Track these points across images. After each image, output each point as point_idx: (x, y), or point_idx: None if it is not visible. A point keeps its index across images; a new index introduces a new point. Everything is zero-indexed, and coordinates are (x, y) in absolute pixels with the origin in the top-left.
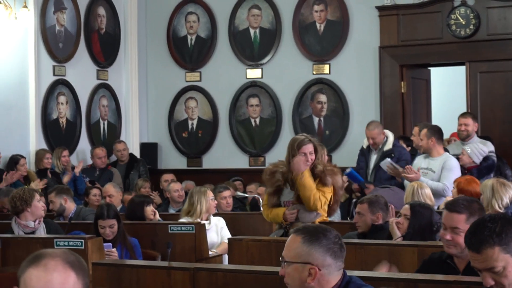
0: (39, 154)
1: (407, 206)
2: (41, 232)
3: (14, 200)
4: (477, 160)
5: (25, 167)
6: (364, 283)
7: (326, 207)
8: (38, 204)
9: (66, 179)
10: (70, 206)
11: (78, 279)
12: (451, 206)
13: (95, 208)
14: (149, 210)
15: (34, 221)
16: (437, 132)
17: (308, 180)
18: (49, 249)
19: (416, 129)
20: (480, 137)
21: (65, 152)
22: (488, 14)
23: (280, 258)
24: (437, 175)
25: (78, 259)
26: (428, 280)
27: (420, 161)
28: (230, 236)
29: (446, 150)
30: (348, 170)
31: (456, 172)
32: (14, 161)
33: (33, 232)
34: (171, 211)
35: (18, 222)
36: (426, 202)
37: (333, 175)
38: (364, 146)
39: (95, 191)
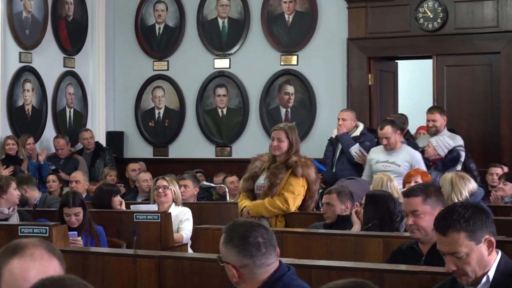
0: (3, 141)
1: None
2: (14, 220)
3: None
4: (442, 152)
5: None
6: (296, 282)
7: (297, 202)
8: (14, 192)
9: (24, 166)
10: (33, 195)
11: (61, 265)
12: (407, 192)
13: (58, 195)
14: (117, 200)
15: (9, 208)
16: (397, 124)
17: (258, 208)
18: (23, 239)
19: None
20: (449, 129)
21: (30, 140)
22: (456, 8)
23: None
24: (403, 168)
25: (54, 246)
26: (394, 270)
27: (377, 155)
28: (190, 229)
29: (412, 143)
30: None
31: (423, 165)
32: None
33: (6, 219)
34: (139, 200)
35: None
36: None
37: (305, 167)
38: (333, 136)
39: (50, 177)
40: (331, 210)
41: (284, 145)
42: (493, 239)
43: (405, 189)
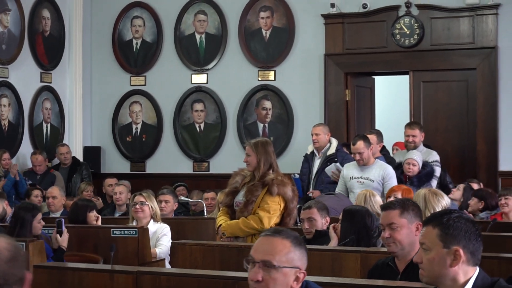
0: None
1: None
2: None
3: None
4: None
5: None
6: (317, 286)
7: (273, 220)
8: None
9: (1, 183)
10: (7, 210)
11: None
12: (385, 205)
13: None
14: (92, 215)
15: None
16: (368, 139)
17: (233, 229)
18: None
19: (373, 137)
20: (424, 145)
21: (6, 155)
22: (432, 24)
23: (255, 260)
24: (377, 183)
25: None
26: (371, 285)
27: (351, 171)
28: (166, 244)
29: (389, 157)
30: (296, 176)
31: (395, 180)
32: None
33: None
34: (117, 215)
35: None
36: (374, 209)
37: (281, 185)
38: (308, 152)
39: (36, 192)
40: (313, 225)
41: (252, 159)
42: (462, 253)
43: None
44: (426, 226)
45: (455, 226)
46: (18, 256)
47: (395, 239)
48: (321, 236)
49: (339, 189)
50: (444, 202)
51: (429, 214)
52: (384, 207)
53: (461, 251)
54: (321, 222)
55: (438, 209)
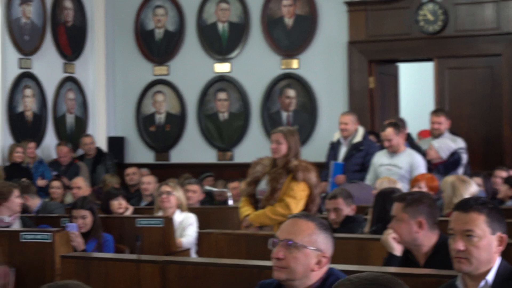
0: (10, 148)
1: None
2: (16, 227)
3: None
4: (444, 155)
5: None
6: (342, 274)
7: (300, 206)
8: (16, 200)
9: (41, 183)
10: (34, 203)
11: None
12: (395, 198)
13: (60, 201)
14: (115, 203)
15: (9, 216)
16: (399, 126)
17: (261, 218)
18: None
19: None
20: (452, 133)
21: (31, 144)
22: (456, 11)
23: (279, 240)
24: (404, 171)
25: None
26: (398, 273)
27: (380, 158)
28: (192, 234)
29: (415, 145)
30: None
31: (424, 168)
32: None
33: (7, 227)
34: (143, 204)
35: None
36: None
37: (306, 171)
38: (334, 140)
39: (54, 183)
40: (339, 215)
41: (283, 147)
42: (505, 238)
43: None
44: (470, 213)
45: (495, 210)
46: None
47: (397, 232)
48: (350, 222)
49: (369, 176)
50: (472, 189)
51: (456, 201)
52: (393, 199)
53: (504, 236)
54: (347, 210)
55: (466, 196)
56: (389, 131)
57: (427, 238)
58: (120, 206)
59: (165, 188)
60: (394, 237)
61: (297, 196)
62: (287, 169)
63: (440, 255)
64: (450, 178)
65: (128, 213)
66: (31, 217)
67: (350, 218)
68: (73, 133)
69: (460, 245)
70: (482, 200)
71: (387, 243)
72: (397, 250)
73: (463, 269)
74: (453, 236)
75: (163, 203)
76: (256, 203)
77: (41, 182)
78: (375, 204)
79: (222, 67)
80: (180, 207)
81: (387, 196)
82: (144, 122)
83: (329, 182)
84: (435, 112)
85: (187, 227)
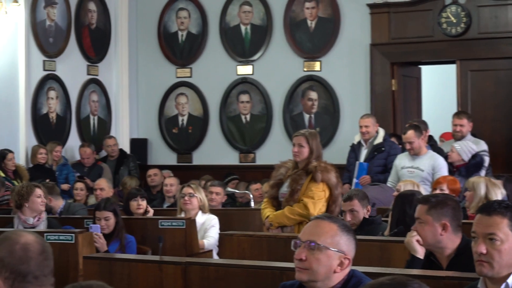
0: (33, 150)
1: None
2: (41, 229)
3: (14, 195)
4: (466, 157)
5: (12, 161)
6: (364, 276)
7: (318, 206)
8: (37, 200)
9: (64, 187)
10: (57, 204)
11: None
12: (419, 200)
13: (83, 203)
14: (134, 204)
15: (34, 217)
16: (421, 129)
17: (279, 219)
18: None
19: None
20: (473, 135)
21: (58, 148)
22: (479, 13)
23: (301, 241)
24: (426, 173)
25: None
26: (419, 275)
27: (402, 161)
28: (214, 236)
29: (437, 148)
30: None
31: (446, 171)
32: (1, 156)
33: (33, 228)
34: (165, 206)
35: (19, 217)
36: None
37: (325, 172)
38: (355, 142)
39: (77, 185)
40: (356, 217)
41: (305, 151)
42: None
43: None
44: (493, 216)
45: None
46: (47, 248)
47: (420, 234)
48: (368, 224)
49: (391, 178)
50: (500, 193)
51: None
52: (418, 201)
53: None
54: (363, 212)
55: (499, 198)
56: (410, 134)
57: (451, 241)
58: (139, 206)
59: (187, 190)
60: (418, 240)
61: (315, 197)
62: (306, 170)
63: (463, 257)
64: (481, 179)
65: (149, 215)
66: (55, 218)
67: (368, 221)
68: (96, 135)
69: (482, 248)
70: (505, 203)
71: (411, 245)
72: (420, 253)
73: (485, 273)
74: (475, 239)
75: (186, 205)
76: (279, 206)
77: (64, 186)
78: (394, 207)
79: (245, 69)
80: (202, 208)
81: (406, 199)
82: (167, 124)
83: (353, 182)
84: (457, 115)
85: (209, 229)
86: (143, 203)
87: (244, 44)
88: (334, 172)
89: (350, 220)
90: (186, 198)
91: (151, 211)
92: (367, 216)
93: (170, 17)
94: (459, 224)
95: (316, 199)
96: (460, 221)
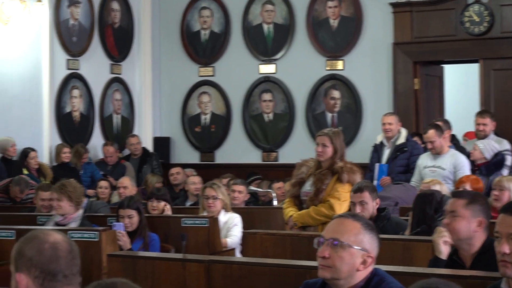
0: (57, 149)
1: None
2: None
3: None
4: (488, 156)
5: (35, 160)
6: (387, 275)
7: (344, 207)
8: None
9: (90, 192)
10: None
11: None
12: (454, 194)
13: (106, 201)
14: (149, 205)
15: (61, 216)
16: (441, 128)
17: (304, 219)
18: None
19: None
20: (496, 134)
21: (86, 155)
22: (502, 12)
23: (325, 239)
24: (448, 172)
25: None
26: (442, 275)
27: (425, 160)
28: (237, 235)
29: (460, 147)
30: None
31: (468, 169)
32: (24, 154)
33: (64, 226)
34: (188, 204)
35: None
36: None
37: (351, 173)
38: (377, 142)
39: (101, 183)
40: (366, 209)
41: (329, 150)
42: None
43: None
44: None
45: None
46: (74, 247)
47: (453, 228)
48: (384, 219)
49: (414, 178)
50: None
51: None
52: (453, 195)
53: None
54: (372, 205)
55: None
56: (431, 133)
57: (479, 239)
58: (154, 208)
59: (211, 192)
60: (446, 241)
61: (341, 198)
62: (332, 170)
63: (487, 256)
64: (510, 178)
65: (168, 213)
66: None
67: (381, 216)
68: (120, 133)
69: (505, 248)
70: None
71: (437, 245)
72: (444, 254)
73: (507, 274)
74: (499, 239)
75: (210, 208)
76: (300, 205)
77: (90, 192)
78: (414, 207)
79: (267, 68)
80: (224, 207)
81: (426, 198)
82: (190, 122)
83: (374, 184)
84: (480, 114)
85: (232, 228)
86: (159, 205)
87: (266, 43)
88: (360, 173)
89: (360, 212)
90: (210, 201)
91: (168, 210)
92: (375, 210)
93: (192, 16)
94: (488, 223)
95: (342, 200)
96: (489, 220)
